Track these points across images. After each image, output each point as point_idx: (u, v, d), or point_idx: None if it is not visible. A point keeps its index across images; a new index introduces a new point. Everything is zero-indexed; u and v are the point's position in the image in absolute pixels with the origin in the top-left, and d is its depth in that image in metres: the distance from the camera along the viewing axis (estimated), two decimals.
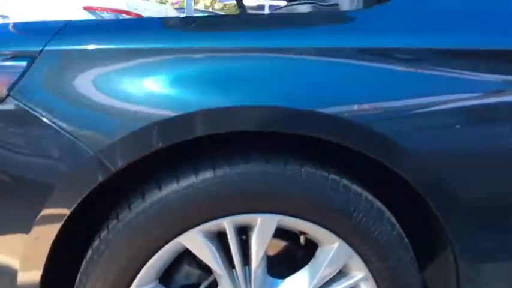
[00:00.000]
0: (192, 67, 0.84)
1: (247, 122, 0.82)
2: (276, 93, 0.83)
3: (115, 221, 0.85)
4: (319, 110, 0.82)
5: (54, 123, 0.81)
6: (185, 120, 0.80)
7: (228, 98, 0.82)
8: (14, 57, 0.84)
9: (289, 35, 0.89)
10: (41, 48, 0.83)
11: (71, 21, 0.90)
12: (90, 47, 0.84)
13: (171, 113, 0.80)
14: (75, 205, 0.82)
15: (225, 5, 21.06)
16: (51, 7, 4.24)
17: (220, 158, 0.85)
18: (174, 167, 0.86)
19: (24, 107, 0.82)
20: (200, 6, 16.93)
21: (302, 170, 0.85)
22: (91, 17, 4.26)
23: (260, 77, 0.84)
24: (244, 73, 0.84)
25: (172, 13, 5.38)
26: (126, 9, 4.40)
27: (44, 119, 0.81)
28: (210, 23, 0.99)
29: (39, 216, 0.82)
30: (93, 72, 0.83)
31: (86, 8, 4.27)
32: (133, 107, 0.81)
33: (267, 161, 0.85)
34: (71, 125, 0.81)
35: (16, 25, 0.94)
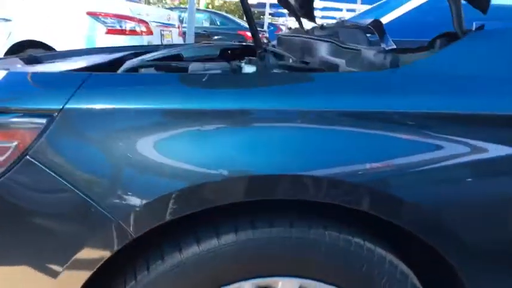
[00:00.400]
0: (217, 130, 0.82)
1: (267, 191, 0.80)
2: (286, 161, 0.81)
3: (133, 281, 0.84)
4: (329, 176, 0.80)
5: (74, 186, 0.79)
6: (210, 188, 0.78)
7: (251, 166, 0.80)
8: (33, 115, 0.82)
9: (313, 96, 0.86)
10: (61, 107, 0.80)
11: (92, 75, 0.86)
12: (113, 106, 0.81)
13: (197, 180, 0.78)
14: (96, 268, 0.80)
15: (225, 2, 21.00)
16: (54, 12, 4.21)
17: (243, 221, 0.83)
18: (195, 229, 0.84)
19: (43, 167, 0.80)
20: (201, 2, 16.83)
21: (326, 233, 0.83)
22: (94, 22, 4.23)
23: (276, 143, 0.81)
24: (266, 139, 0.82)
25: (174, 17, 5.33)
26: (130, 14, 4.36)
27: (63, 181, 0.79)
28: (233, 80, 0.94)
29: (62, 273, 0.80)
30: (115, 134, 0.80)
31: (89, 14, 4.24)
32: (158, 172, 0.79)
33: (291, 225, 0.83)
34: (91, 189, 0.79)
35: (35, 77, 0.90)
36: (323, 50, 1.25)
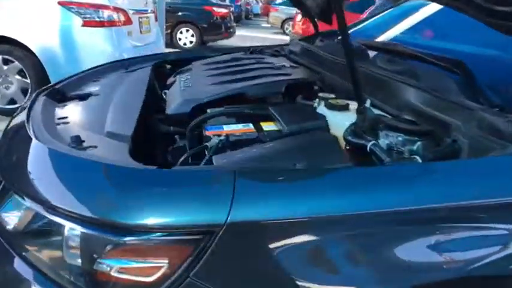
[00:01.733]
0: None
1: None
2: None
3: None
4: None
5: None
6: None
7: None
8: (189, 232, 0.73)
9: None
10: (224, 220, 0.69)
11: (237, 172, 0.75)
12: (275, 217, 0.71)
13: None
14: None
15: None
16: (21, 4, 3.82)
17: None
18: None
19: None
20: None
21: None
22: (68, 13, 3.87)
23: None
24: None
25: (149, 1, 4.99)
26: (106, 3, 4.03)
27: None
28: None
29: None
30: (291, 248, 0.71)
31: (61, 4, 3.87)
32: None
33: None
34: None
35: (169, 182, 0.78)
36: (412, 97, 1.18)
